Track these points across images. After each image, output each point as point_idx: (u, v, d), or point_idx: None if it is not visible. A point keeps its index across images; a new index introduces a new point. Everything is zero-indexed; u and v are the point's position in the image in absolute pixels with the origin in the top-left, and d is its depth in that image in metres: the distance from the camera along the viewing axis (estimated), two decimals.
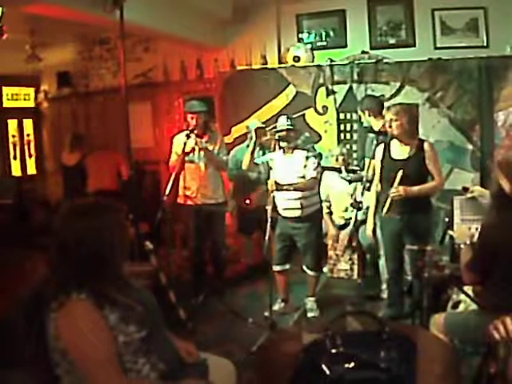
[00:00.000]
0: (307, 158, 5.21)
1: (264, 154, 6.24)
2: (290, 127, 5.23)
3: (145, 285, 2.72)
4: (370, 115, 5.69)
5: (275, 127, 5.38)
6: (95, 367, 2.19)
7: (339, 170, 5.73)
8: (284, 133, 5.23)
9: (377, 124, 5.46)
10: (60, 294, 2.21)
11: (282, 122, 5.27)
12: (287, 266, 5.53)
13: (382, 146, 4.97)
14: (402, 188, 4.64)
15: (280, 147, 5.33)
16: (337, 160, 5.91)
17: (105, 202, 2.46)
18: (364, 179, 4.96)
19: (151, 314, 2.44)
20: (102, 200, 2.49)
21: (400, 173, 4.59)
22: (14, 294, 2.45)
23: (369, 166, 5.11)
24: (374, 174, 5.10)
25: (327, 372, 2.30)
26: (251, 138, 6.31)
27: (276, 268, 5.46)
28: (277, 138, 5.28)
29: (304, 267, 5.53)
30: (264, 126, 6.38)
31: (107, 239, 2.34)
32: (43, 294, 2.27)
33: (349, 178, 5.82)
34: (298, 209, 5.23)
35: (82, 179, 7.95)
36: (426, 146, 4.81)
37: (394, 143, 4.89)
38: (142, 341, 2.30)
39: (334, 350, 2.37)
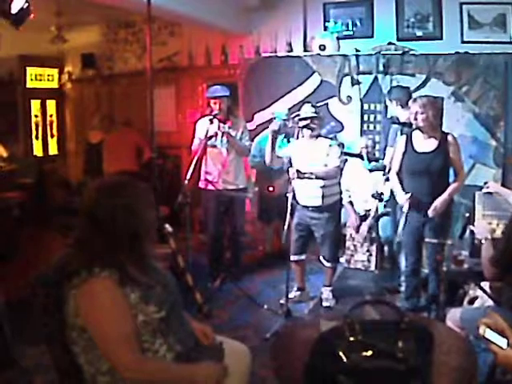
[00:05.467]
0: (330, 146, 5.20)
1: (288, 141, 6.23)
2: (313, 115, 5.21)
3: (163, 267, 2.73)
4: (397, 105, 5.66)
5: (298, 115, 5.35)
6: (113, 344, 2.21)
7: (361, 157, 5.69)
8: (307, 121, 5.20)
9: (404, 114, 5.42)
10: (82, 271, 2.23)
11: (306, 110, 5.24)
12: (303, 257, 5.52)
13: (403, 137, 4.94)
14: (434, 207, 4.65)
15: (303, 135, 5.31)
16: (360, 151, 5.89)
17: (136, 182, 2.47)
18: (386, 169, 4.93)
19: (170, 295, 2.46)
20: (133, 180, 2.50)
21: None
22: (32, 273, 2.46)
23: (392, 157, 5.06)
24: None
25: (344, 359, 2.30)
26: (272, 132, 6.33)
27: (293, 258, 5.46)
28: (300, 125, 5.25)
29: (321, 257, 5.52)
30: (286, 118, 6.39)
31: (138, 218, 2.36)
32: (63, 271, 2.29)
33: (369, 167, 5.79)
34: (319, 198, 5.21)
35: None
36: (449, 139, 4.77)
37: (417, 136, 4.85)
38: (161, 321, 2.32)
39: (352, 338, 2.36)
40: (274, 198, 6.31)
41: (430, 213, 4.69)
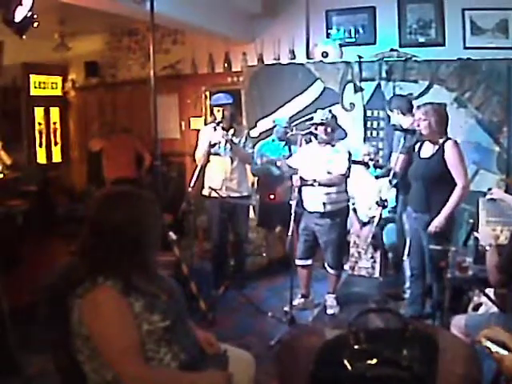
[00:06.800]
0: (337, 153, 5.20)
1: (290, 148, 6.23)
2: (327, 121, 5.19)
3: (167, 275, 2.73)
4: (398, 113, 5.65)
5: (311, 118, 5.37)
6: (117, 354, 2.20)
7: (366, 164, 5.68)
8: (320, 126, 5.20)
9: (406, 122, 5.41)
10: (86, 280, 2.24)
11: (321, 116, 5.24)
12: (309, 262, 5.51)
13: (418, 144, 4.93)
14: (435, 225, 4.65)
15: (308, 141, 5.30)
16: (362, 158, 5.90)
17: (140, 192, 2.48)
18: (391, 175, 4.90)
19: (175, 303, 2.45)
20: (137, 189, 2.50)
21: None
22: (36, 280, 2.46)
23: (395, 163, 5.04)
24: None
25: (349, 368, 2.30)
26: (277, 132, 6.35)
27: (298, 262, 5.46)
28: (312, 130, 5.24)
29: (325, 264, 5.51)
30: (287, 125, 6.41)
31: (143, 228, 2.36)
32: (68, 280, 2.29)
33: (376, 174, 5.79)
34: (322, 204, 5.20)
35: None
36: (446, 144, 4.68)
37: (426, 142, 4.85)
38: (166, 330, 2.31)
39: (356, 346, 2.36)
40: (275, 205, 6.31)
41: (430, 230, 4.68)
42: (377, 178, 5.81)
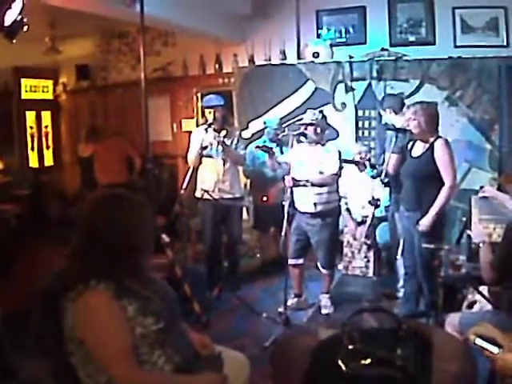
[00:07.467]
0: (327, 153, 5.19)
1: (281, 149, 6.22)
2: (317, 121, 5.18)
3: (160, 277, 2.72)
4: (391, 113, 5.64)
5: (301, 119, 5.35)
6: (111, 357, 2.19)
7: (362, 164, 5.69)
8: (310, 126, 5.19)
9: (399, 121, 5.39)
10: (79, 284, 2.23)
11: (310, 116, 5.22)
12: (300, 261, 5.50)
13: (411, 143, 4.93)
14: (423, 224, 4.65)
15: (299, 141, 5.29)
16: (353, 157, 5.91)
17: (132, 195, 2.47)
18: (383, 174, 4.89)
19: (168, 306, 2.44)
20: (129, 193, 2.49)
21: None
22: (30, 284, 2.45)
23: (387, 162, 5.04)
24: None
25: (343, 368, 2.30)
26: (268, 133, 6.33)
27: (290, 261, 5.44)
28: (301, 130, 5.23)
29: (318, 264, 5.50)
30: (277, 126, 6.40)
31: (135, 231, 2.35)
32: (60, 283, 2.28)
33: (372, 174, 5.79)
34: (313, 205, 5.18)
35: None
36: (435, 143, 4.68)
37: (418, 141, 4.85)
38: (159, 333, 2.31)
39: (351, 346, 2.36)
40: (269, 206, 6.30)
41: (419, 229, 4.69)
42: (373, 177, 5.79)
